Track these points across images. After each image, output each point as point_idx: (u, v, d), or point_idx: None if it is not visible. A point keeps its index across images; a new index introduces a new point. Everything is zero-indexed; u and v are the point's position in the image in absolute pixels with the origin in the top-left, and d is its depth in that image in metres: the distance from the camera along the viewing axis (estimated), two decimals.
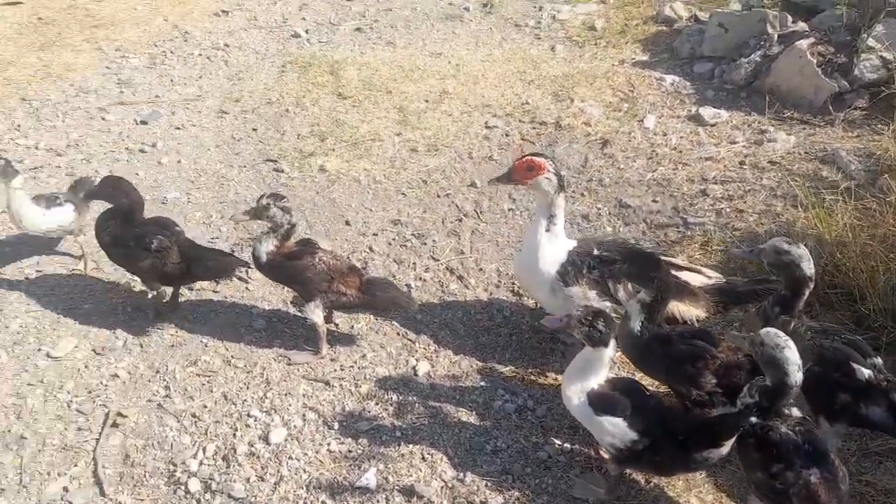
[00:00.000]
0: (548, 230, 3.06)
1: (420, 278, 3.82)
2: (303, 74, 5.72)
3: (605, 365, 2.57)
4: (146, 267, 3.33)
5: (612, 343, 2.54)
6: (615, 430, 2.49)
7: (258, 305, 3.62)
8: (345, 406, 3.08)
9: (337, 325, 3.49)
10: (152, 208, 4.25)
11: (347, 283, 3.20)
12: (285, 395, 3.13)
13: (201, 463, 2.83)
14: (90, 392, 3.13)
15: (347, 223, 4.21)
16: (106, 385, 3.17)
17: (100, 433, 2.94)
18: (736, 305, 3.12)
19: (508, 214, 4.28)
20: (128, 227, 3.35)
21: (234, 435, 2.94)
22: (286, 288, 3.59)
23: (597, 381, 2.57)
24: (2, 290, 3.66)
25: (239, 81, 5.73)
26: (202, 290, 3.71)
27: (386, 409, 3.06)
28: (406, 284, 3.75)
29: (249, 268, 3.45)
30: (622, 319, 2.80)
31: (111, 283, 3.75)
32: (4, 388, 3.13)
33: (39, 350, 3.32)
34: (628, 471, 2.72)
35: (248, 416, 3.03)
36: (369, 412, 3.05)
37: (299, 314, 3.55)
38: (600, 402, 2.53)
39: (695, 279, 3.03)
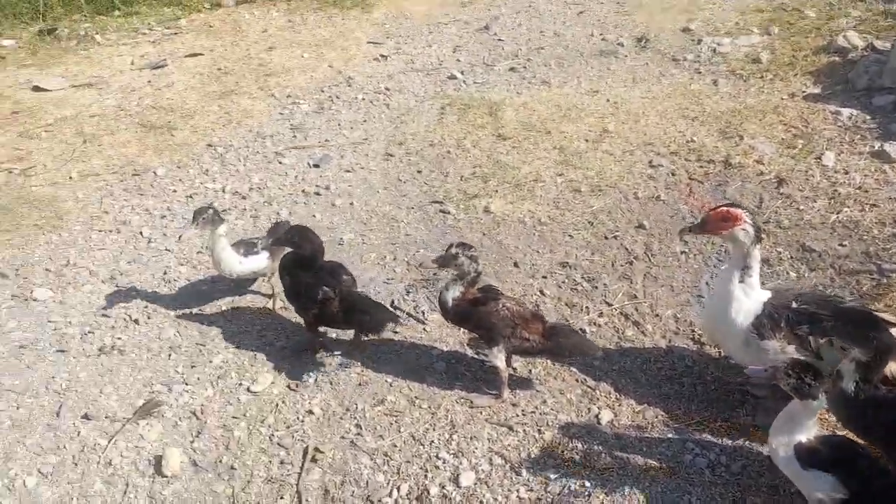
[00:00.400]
0: (742, 281, 2.98)
1: (594, 323, 3.81)
2: (462, 116, 5.89)
3: (814, 418, 2.49)
4: (309, 316, 3.62)
5: (822, 396, 2.45)
6: (824, 485, 2.39)
7: (437, 347, 3.72)
8: (530, 452, 3.10)
9: (515, 369, 3.53)
10: (330, 249, 4.50)
11: (531, 329, 3.25)
12: (471, 438, 3.19)
13: (396, 502, 2.94)
14: (288, 427, 3.33)
15: (516, 265, 4.27)
16: (302, 420, 3.36)
17: (301, 467, 3.12)
18: None
19: (681, 258, 4.19)
20: (304, 272, 3.58)
21: (426, 476, 3.03)
22: (462, 329, 3.69)
23: (805, 435, 2.50)
24: (203, 326, 3.98)
25: (401, 124, 5.97)
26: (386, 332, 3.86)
27: (572, 458, 3.05)
28: (580, 329, 3.75)
29: (402, 324, 3.71)
30: (834, 378, 2.66)
31: (299, 322, 3.99)
32: (213, 420, 3.39)
33: (240, 385, 3.58)
34: None
35: (437, 457, 3.11)
36: (555, 460, 3.05)
37: (476, 356, 3.63)
38: (808, 456, 2.45)
39: None
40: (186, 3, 8.70)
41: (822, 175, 4.63)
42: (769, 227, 4.29)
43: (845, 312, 2.83)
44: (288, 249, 3.68)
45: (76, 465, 3.20)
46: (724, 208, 2.97)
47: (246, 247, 3.99)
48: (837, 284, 3.81)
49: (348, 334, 3.77)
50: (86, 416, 3.41)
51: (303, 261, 3.60)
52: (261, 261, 4.00)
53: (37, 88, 6.82)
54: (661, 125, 5.46)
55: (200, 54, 7.46)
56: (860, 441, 2.68)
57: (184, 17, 8.42)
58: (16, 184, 5.34)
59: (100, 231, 4.79)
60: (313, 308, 3.56)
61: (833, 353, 2.78)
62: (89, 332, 3.93)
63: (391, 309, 3.81)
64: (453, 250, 3.24)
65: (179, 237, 4.60)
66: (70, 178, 5.39)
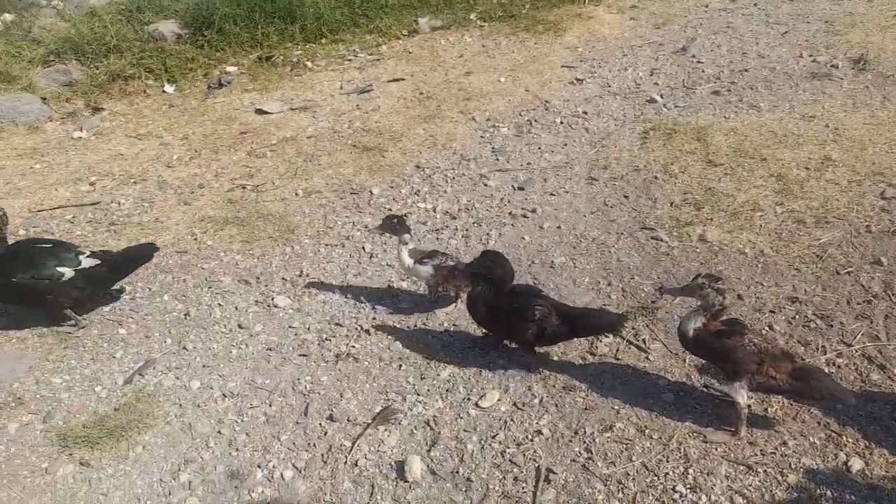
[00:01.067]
0: None
1: (833, 363, 3.63)
2: (668, 141, 5.82)
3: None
4: (528, 337, 3.76)
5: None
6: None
7: (663, 377, 3.70)
8: (774, 495, 3.01)
9: (750, 406, 3.44)
10: (542, 272, 4.62)
11: (779, 368, 3.16)
12: (707, 473, 3.14)
13: None
14: (519, 445, 3.44)
15: (740, 297, 4.15)
16: (532, 439, 3.46)
17: (535, 485, 3.22)
18: None
19: None
20: (499, 298, 3.77)
21: None
22: (688, 361, 3.65)
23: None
24: (428, 339, 4.20)
25: (602, 148, 6.00)
26: (603, 356, 3.90)
27: None
28: None
29: (627, 322, 3.79)
30: None
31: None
32: (446, 431, 3.57)
33: (468, 399, 3.75)
34: None
35: (674, 490, 3.10)
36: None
37: (705, 389, 3.58)
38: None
39: None
40: (385, 30, 9.22)
41: None
42: None
43: None
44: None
45: (325, 463, 3.48)
46: None
47: (423, 255, 4.37)
48: None
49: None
50: (330, 418, 3.71)
51: (495, 286, 3.78)
52: (427, 270, 4.34)
53: (259, 111, 7.51)
54: (892, 153, 5.11)
55: (402, 79, 7.89)
56: None
57: (384, 43, 8.94)
58: (250, 199, 5.90)
59: (327, 245, 5.19)
60: (531, 328, 3.68)
61: None
62: (326, 339, 4.27)
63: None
64: (700, 280, 3.23)
65: (366, 226, 5.17)
66: (296, 194, 5.89)
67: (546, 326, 3.68)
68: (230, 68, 8.70)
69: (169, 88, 8.30)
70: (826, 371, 3.51)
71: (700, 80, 6.86)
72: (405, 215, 4.67)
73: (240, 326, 4.45)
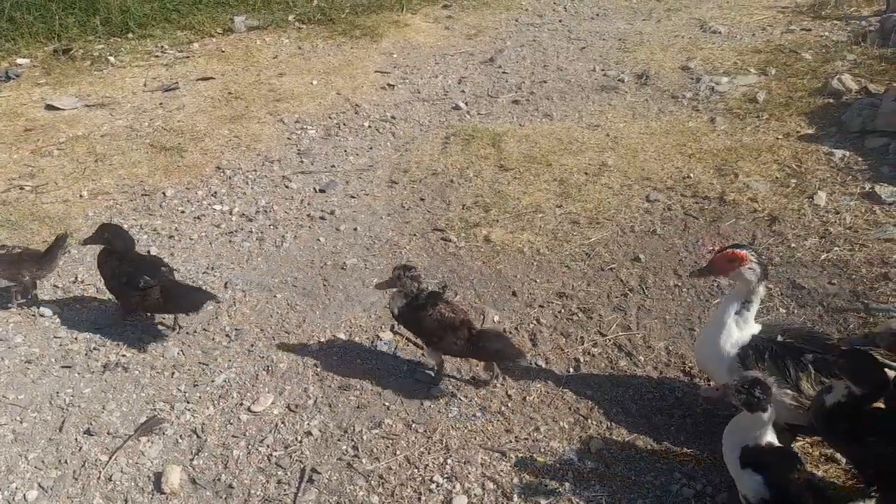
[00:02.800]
0: (738, 313, 3.11)
1: (588, 353, 3.90)
2: (466, 146, 6.03)
3: (763, 427, 2.72)
4: (131, 303, 4.06)
5: (770, 409, 2.68)
6: (752, 484, 2.68)
7: (435, 371, 3.81)
8: (522, 478, 3.18)
9: (510, 396, 3.62)
10: (333, 273, 4.62)
11: (458, 334, 3.58)
12: (465, 462, 3.27)
13: None
14: (287, 447, 3.41)
15: (514, 294, 4.37)
16: (300, 441, 3.44)
17: (297, 487, 3.20)
18: None
19: (675, 291, 4.29)
20: (121, 265, 4.03)
21: (419, 499, 3.11)
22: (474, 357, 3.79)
23: (755, 441, 2.73)
24: (207, 344, 4.06)
25: (406, 152, 6.11)
26: (382, 354, 3.95)
27: (562, 485, 3.13)
28: (574, 359, 3.85)
29: (219, 301, 4.28)
30: (821, 390, 2.86)
31: (300, 344, 4.07)
32: (212, 438, 3.47)
33: (241, 404, 3.67)
34: None
35: (431, 480, 3.19)
36: (546, 486, 3.13)
37: (464, 382, 3.72)
38: (746, 458, 2.72)
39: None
40: (199, 27, 8.88)
41: (814, 214, 4.75)
42: None
43: (849, 351, 2.91)
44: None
45: (76, 479, 3.28)
46: (730, 250, 3.08)
47: None
48: (825, 321, 3.91)
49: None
50: (88, 432, 3.49)
51: (118, 255, 4.06)
52: None
53: (50, 107, 6.98)
54: (659, 161, 5.59)
55: (212, 78, 7.62)
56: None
57: (196, 41, 8.61)
58: (27, 200, 5.45)
59: None
60: (134, 296, 3.96)
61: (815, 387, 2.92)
62: (95, 349, 4.03)
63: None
64: (397, 272, 3.66)
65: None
66: (81, 196, 5.52)
67: (149, 298, 3.95)
68: (21, 60, 8.02)
69: None
70: (506, 334, 3.86)
71: (503, 90, 7.17)
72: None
73: None
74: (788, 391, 2.98)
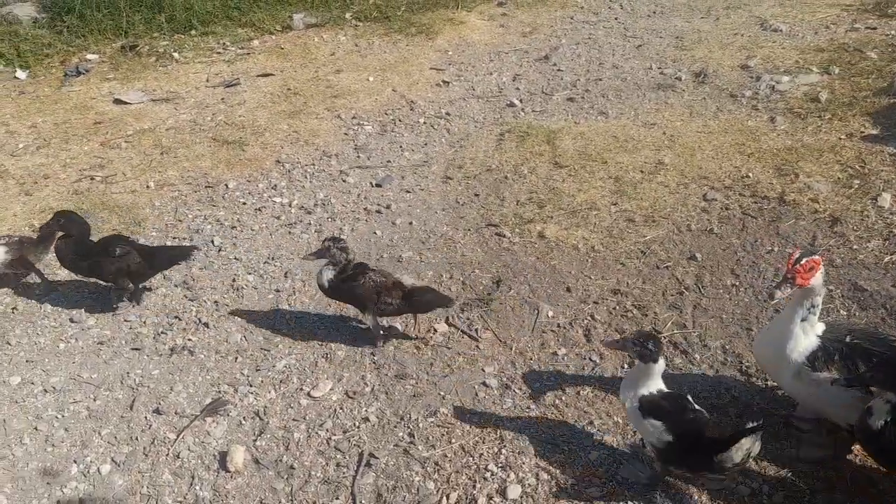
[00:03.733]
0: (804, 319, 3.06)
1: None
2: (520, 143, 6.06)
3: (655, 377, 3.04)
4: (112, 271, 4.24)
5: (662, 360, 3.02)
6: (656, 431, 2.95)
7: (490, 363, 3.87)
8: (575, 470, 3.21)
9: (564, 390, 3.65)
10: (390, 265, 4.71)
11: (392, 294, 3.86)
12: (518, 453, 3.32)
13: None
14: (345, 432, 3.51)
15: (568, 290, 4.39)
16: (358, 427, 3.54)
17: (356, 470, 3.29)
18: None
19: (732, 290, 4.25)
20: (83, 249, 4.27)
21: (474, 487, 3.17)
22: (514, 349, 3.83)
23: (648, 390, 3.03)
24: (269, 332, 4.19)
25: (460, 149, 6.17)
26: (437, 345, 4.02)
27: (617, 479, 3.16)
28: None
29: (199, 249, 4.77)
30: (863, 413, 2.76)
31: (358, 334, 4.17)
32: (274, 421, 3.59)
33: (301, 389, 3.78)
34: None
35: (486, 469, 3.25)
36: (600, 479, 3.16)
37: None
38: (648, 407, 3.00)
39: None
40: (259, 25, 9.10)
41: (878, 216, 4.65)
42: None
43: (884, 361, 2.87)
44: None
45: (146, 455, 3.43)
46: (809, 259, 2.95)
47: None
48: (888, 325, 3.84)
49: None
50: (157, 411, 3.65)
51: (77, 241, 4.29)
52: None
53: (118, 101, 7.25)
54: (717, 160, 5.53)
55: (271, 74, 7.81)
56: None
57: (256, 38, 8.82)
58: (97, 190, 5.69)
59: (174, 238, 5.09)
60: (114, 265, 4.21)
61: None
62: (162, 333, 4.20)
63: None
64: (326, 244, 3.90)
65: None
66: (147, 187, 5.73)
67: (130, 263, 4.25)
68: (91, 56, 8.35)
69: (21, 74, 7.88)
70: (431, 287, 4.06)
71: (558, 87, 7.18)
72: None
73: (71, 321, 4.31)
74: (857, 393, 2.93)
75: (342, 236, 4.14)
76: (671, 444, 2.93)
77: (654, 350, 2.98)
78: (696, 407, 3.02)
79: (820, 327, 3.11)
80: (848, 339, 3.04)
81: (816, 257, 2.97)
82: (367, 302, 3.88)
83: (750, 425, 2.78)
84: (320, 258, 3.94)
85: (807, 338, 3.07)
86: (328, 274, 3.93)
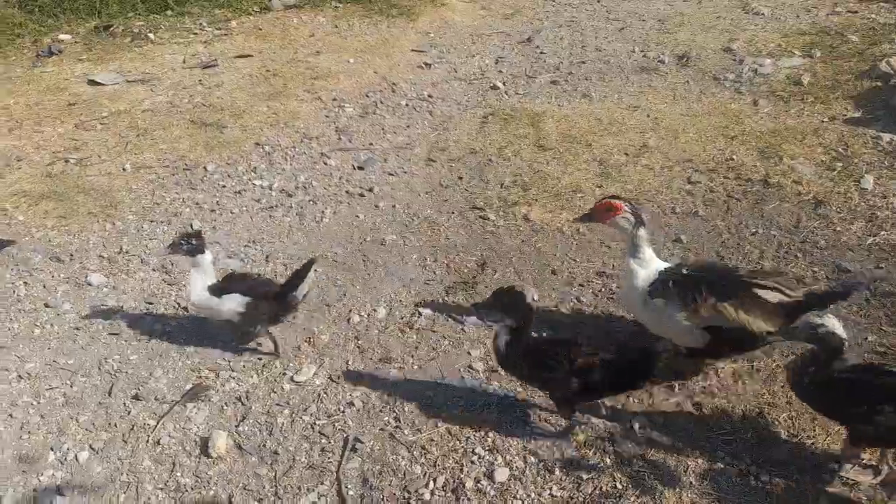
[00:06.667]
0: (634, 256, 3.43)
1: (630, 332, 3.88)
2: (504, 126, 6.00)
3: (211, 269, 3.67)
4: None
5: (209, 252, 3.68)
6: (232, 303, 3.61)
7: (476, 347, 3.83)
8: (563, 452, 3.19)
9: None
10: (372, 249, 4.65)
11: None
12: (506, 436, 3.29)
13: (433, 493, 3.04)
14: (329, 417, 3.46)
15: (554, 272, 4.36)
16: (343, 411, 3.48)
17: (341, 456, 3.24)
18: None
19: None
20: None
21: (461, 470, 3.14)
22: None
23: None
24: None
25: (444, 131, 6.10)
26: (422, 329, 3.97)
27: (604, 460, 3.14)
28: (615, 337, 3.84)
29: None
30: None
31: (341, 317, 4.11)
32: (257, 406, 3.53)
33: (284, 374, 3.72)
34: None
35: (473, 452, 3.22)
36: (588, 461, 3.14)
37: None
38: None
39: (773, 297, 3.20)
40: (237, 5, 8.93)
41: (861, 198, 4.67)
42: (806, 246, 4.33)
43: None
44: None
45: (126, 442, 3.35)
46: (607, 200, 3.44)
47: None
48: (872, 305, 3.85)
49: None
50: (136, 397, 3.57)
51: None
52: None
53: (92, 82, 7.08)
54: (701, 142, 5.52)
55: (250, 55, 7.67)
56: None
57: (234, 19, 8.65)
58: (72, 173, 5.55)
59: (152, 221, 4.98)
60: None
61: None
62: (140, 318, 4.10)
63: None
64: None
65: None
66: (123, 169, 5.60)
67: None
68: (63, 36, 8.14)
69: None
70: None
71: (541, 70, 7.12)
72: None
73: (46, 305, 4.20)
74: (683, 314, 3.27)
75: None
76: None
77: (196, 243, 3.58)
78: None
79: (663, 265, 3.46)
80: (684, 270, 3.39)
81: (616, 201, 3.40)
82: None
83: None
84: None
85: (645, 271, 3.41)
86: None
